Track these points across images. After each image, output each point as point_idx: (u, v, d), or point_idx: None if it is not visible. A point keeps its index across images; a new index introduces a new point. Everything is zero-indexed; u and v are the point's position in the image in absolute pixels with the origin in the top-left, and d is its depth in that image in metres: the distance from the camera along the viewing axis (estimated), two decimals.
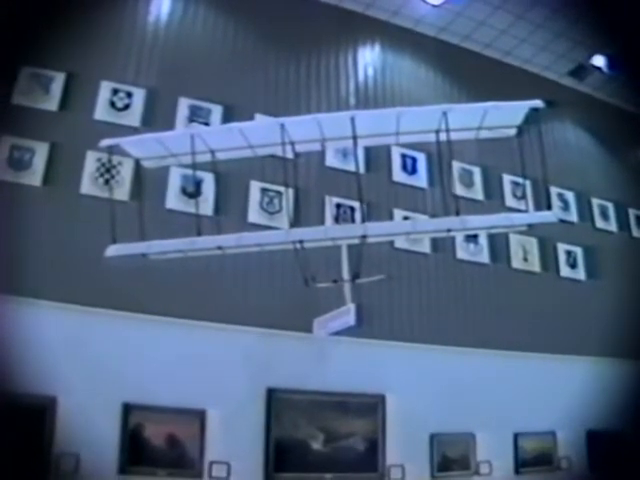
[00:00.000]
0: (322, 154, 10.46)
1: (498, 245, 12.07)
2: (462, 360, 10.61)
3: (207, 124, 10.31)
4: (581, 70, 14.08)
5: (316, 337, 7.94)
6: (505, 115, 6.90)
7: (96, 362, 8.30)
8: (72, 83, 9.82)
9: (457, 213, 6.87)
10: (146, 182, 8.87)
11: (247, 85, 10.99)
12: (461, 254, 11.70)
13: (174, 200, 9.80)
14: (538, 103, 6.65)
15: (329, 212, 10.48)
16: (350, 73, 12.16)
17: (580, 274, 12.99)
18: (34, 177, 9.12)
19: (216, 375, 8.92)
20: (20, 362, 7.81)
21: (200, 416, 8.93)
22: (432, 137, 7.00)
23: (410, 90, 12.60)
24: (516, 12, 12.50)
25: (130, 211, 7.74)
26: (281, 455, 9.32)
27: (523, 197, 11.55)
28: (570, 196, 13.54)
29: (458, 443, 10.57)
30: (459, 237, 11.31)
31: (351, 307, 7.05)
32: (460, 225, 6.93)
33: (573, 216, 13.48)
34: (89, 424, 8.07)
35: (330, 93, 11.76)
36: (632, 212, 14.38)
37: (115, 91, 10.04)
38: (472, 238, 11.66)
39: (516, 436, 10.97)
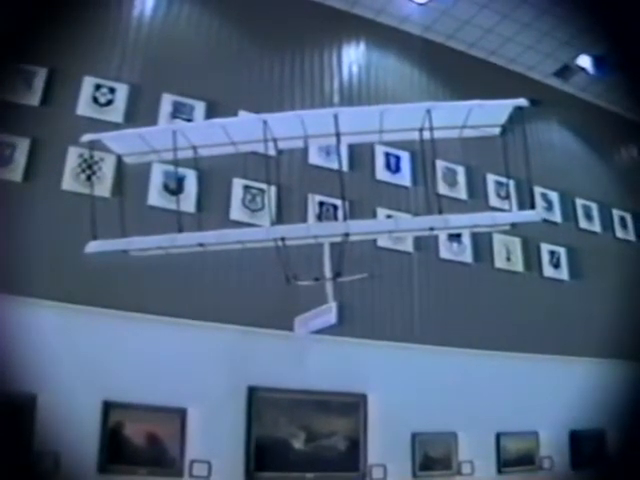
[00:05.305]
0: (305, 151, 10.44)
1: (481, 245, 12.09)
2: (444, 359, 10.61)
3: (190, 121, 10.25)
4: (566, 70, 14.11)
5: (297, 335, 7.93)
6: (489, 114, 6.89)
7: (76, 359, 8.20)
8: (54, 78, 9.75)
9: (440, 212, 6.85)
10: (128, 178, 8.81)
11: (231, 82, 10.93)
12: (444, 253, 11.70)
13: (156, 197, 9.75)
14: (523, 102, 6.64)
15: (312, 210, 10.46)
16: (334, 71, 12.14)
17: (563, 274, 13.04)
18: (15, 173, 9.03)
19: (197, 373, 8.86)
20: None
21: (181, 414, 8.88)
22: (416, 135, 6.97)
23: (394, 88, 12.60)
24: (502, 11, 12.52)
25: (111, 207, 7.73)
26: (262, 454, 9.29)
27: (507, 197, 11.52)
28: (554, 196, 13.58)
29: (440, 443, 10.56)
30: (442, 236, 11.32)
31: (332, 305, 7.06)
32: (443, 224, 6.92)
33: (557, 216, 13.52)
34: (69, 422, 7.97)
35: (314, 91, 11.72)
36: (616, 213, 14.44)
37: (98, 87, 9.96)
38: (455, 237, 11.68)
39: (498, 436, 10.98)
